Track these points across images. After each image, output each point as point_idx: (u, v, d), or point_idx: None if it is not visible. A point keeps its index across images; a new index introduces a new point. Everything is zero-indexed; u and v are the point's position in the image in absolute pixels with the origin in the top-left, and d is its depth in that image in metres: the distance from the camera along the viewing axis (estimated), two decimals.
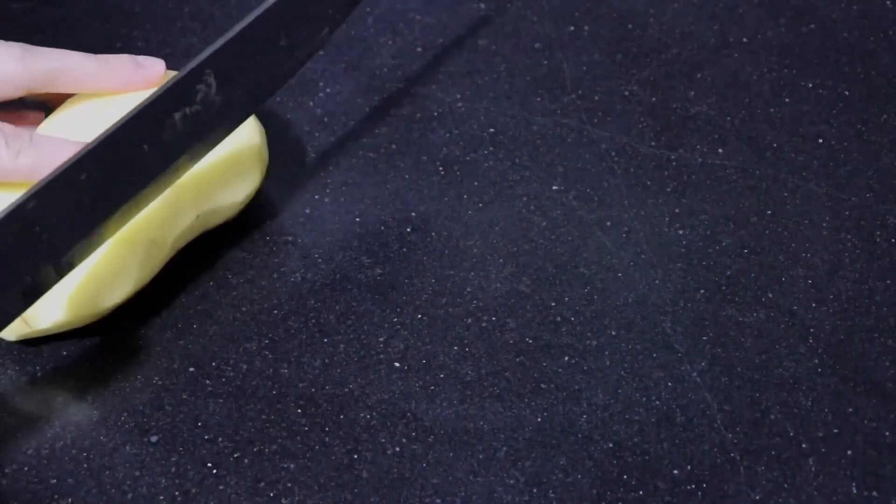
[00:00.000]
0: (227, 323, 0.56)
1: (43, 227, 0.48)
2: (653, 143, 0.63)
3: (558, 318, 0.56)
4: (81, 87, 0.54)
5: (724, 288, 0.58)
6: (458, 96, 0.65)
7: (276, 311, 0.57)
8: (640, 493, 0.51)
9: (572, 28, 0.69)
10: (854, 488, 0.51)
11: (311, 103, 0.65)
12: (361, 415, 0.53)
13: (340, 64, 0.66)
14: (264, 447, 0.52)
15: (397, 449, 0.52)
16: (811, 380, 0.55)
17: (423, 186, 0.61)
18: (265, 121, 0.59)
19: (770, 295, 0.57)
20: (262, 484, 0.51)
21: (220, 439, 0.52)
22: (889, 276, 0.58)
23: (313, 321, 0.56)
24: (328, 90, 0.65)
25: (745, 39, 0.69)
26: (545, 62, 0.67)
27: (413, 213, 0.60)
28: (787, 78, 0.67)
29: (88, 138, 0.53)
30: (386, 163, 0.62)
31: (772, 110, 0.65)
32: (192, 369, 0.54)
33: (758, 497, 0.51)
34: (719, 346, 0.56)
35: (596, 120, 0.64)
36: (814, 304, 0.57)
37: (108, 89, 0.55)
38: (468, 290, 0.57)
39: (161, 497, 0.51)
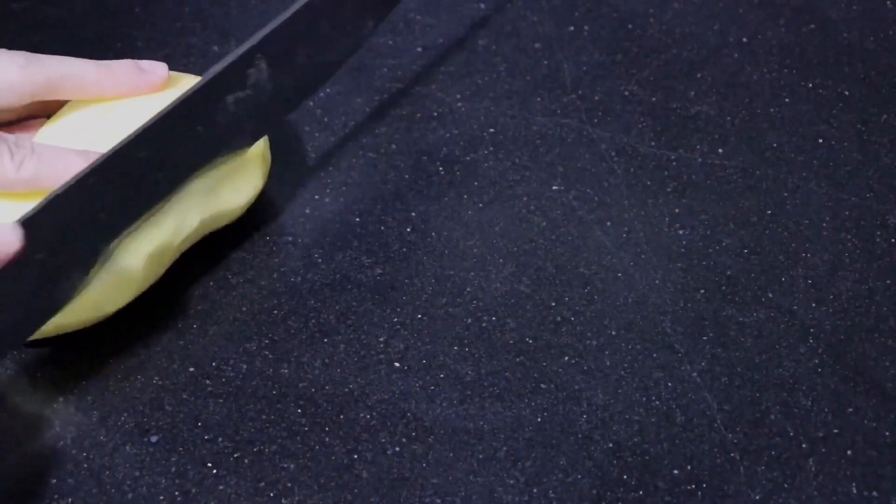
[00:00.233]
0: (227, 323, 0.56)
1: (100, 206, 0.49)
2: (653, 143, 0.63)
3: (558, 318, 0.56)
4: (85, 94, 0.54)
5: (724, 288, 0.58)
6: (458, 96, 0.65)
7: (276, 311, 0.57)
8: (640, 493, 0.51)
9: (572, 28, 0.69)
10: (854, 488, 0.51)
11: (312, 103, 0.65)
12: (361, 415, 0.53)
13: None
14: (264, 447, 0.52)
15: (397, 449, 0.52)
16: (811, 380, 0.55)
17: (423, 186, 0.61)
18: None
19: (770, 295, 0.57)
20: (262, 484, 0.51)
21: (220, 439, 0.52)
22: (889, 276, 0.58)
23: (313, 321, 0.56)
24: (328, 90, 0.65)
25: (745, 39, 0.69)
26: (545, 62, 0.67)
27: (413, 213, 0.60)
28: (787, 78, 0.67)
29: (90, 144, 0.53)
30: (386, 163, 0.62)
31: (772, 110, 0.65)
32: (192, 369, 0.54)
33: (758, 497, 0.51)
34: (719, 346, 0.56)
35: (596, 120, 0.64)
36: (814, 304, 0.57)
37: (111, 95, 0.55)
38: (468, 290, 0.57)
39: (161, 497, 0.51)
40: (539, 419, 0.53)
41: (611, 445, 0.52)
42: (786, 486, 0.51)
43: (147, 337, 0.55)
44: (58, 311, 0.51)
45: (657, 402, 0.54)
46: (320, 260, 0.58)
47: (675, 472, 0.52)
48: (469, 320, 0.56)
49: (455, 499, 0.51)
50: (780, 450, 0.52)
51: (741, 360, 0.55)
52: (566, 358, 0.55)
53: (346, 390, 0.54)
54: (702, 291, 0.58)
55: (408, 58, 0.67)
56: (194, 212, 0.55)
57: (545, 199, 0.61)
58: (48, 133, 0.54)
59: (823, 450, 0.52)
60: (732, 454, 0.52)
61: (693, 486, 0.51)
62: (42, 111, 0.56)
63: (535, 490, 0.51)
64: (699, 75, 0.67)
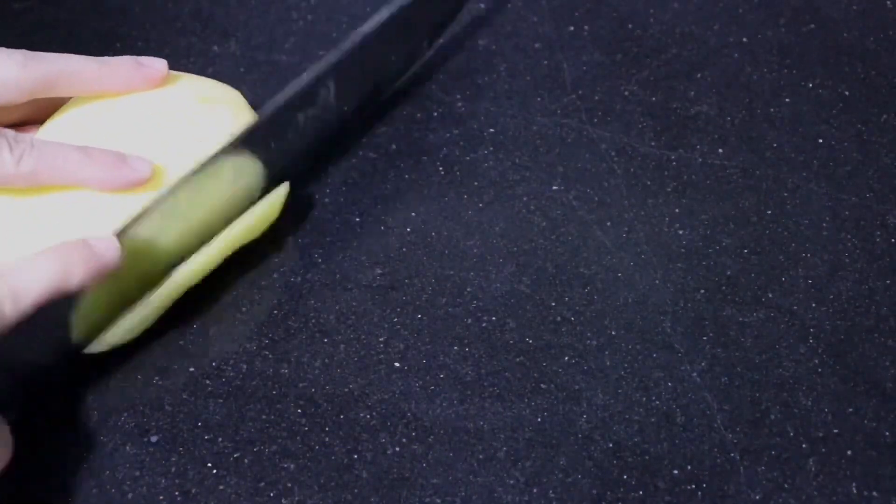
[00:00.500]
0: (227, 323, 0.56)
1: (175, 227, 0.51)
2: (653, 143, 0.63)
3: (558, 318, 0.56)
4: (84, 90, 0.54)
5: (724, 288, 0.58)
6: (458, 96, 0.65)
7: (276, 311, 0.57)
8: (640, 493, 0.51)
9: (572, 28, 0.69)
10: (854, 488, 0.51)
11: None
12: (361, 415, 0.53)
13: None
14: (264, 447, 0.52)
15: (397, 449, 0.52)
16: (811, 380, 0.55)
17: (423, 186, 0.61)
18: None
19: (770, 295, 0.57)
20: (262, 484, 0.51)
21: (220, 439, 0.52)
22: (889, 276, 0.58)
23: (313, 321, 0.56)
24: None
25: (745, 39, 0.69)
26: (545, 62, 0.67)
27: (413, 213, 0.60)
28: (787, 78, 0.67)
29: (91, 140, 0.53)
30: (386, 163, 0.62)
31: (772, 110, 0.65)
32: (192, 369, 0.54)
33: (758, 497, 0.51)
34: (719, 346, 0.56)
35: (596, 120, 0.64)
36: (814, 304, 0.57)
37: (111, 90, 0.55)
38: (468, 290, 0.57)
39: (161, 497, 0.51)
40: (539, 419, 0.53)
41: (611, 445, 0.52)
42: (786, 486, 0.51)
43: (147, 337, 0.55)
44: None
45: (657, 402, 0.54)
46: (320, 260, 0.58)
47: (675, 472, 0.52)
48: (469, 320, 0.56)
49: (455, 499, 0.51)
50: (780, 450, 0.52)
51: (741, 360, 0.55)
52: (566, 358, 0.55)
53: (346, 390, 0.54)
54: (702, 291, 0.58)
55: None
56: (218, 242, 0.55)
57: (545, 199, 0.61)
58: (50, 129, 0.55)
59: (823, 450, 0.52)
60: (732, 454, 0.52)
61: (693, 486, 0.51)
62: (42, 115, 0.56)
63: (535, 490, 0.51)
64: (699, 75, 0.67)
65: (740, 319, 0.56)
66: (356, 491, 0.51)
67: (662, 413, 0.53)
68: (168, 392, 0.54)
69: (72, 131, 0.54)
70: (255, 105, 0.59)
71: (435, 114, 0.64)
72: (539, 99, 0.65)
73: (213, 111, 0.56)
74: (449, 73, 0.67)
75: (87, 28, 0.68)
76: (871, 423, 0.53)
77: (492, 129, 0.64)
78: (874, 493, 0.51)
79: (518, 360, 0.55)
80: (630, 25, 0.69)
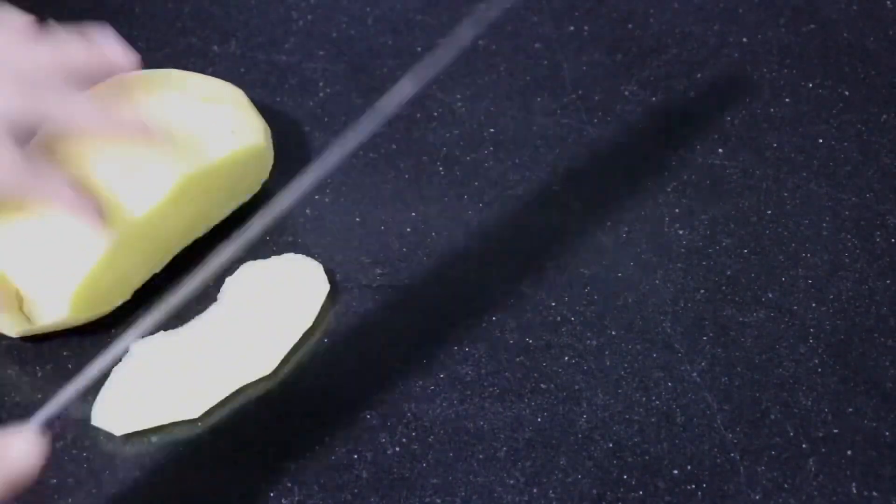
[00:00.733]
0: None
1: None
2: (653, 144, 0.63)
3: (558, 318, 0.56)
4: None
5: (724, 288, 0.58)
6: (458, 96, 0.65)
7: None
8: (640, 493, 0.51)
9: (572, 28, 0.69)
10: (854, 488, 0.51)
11: (311, 103, 0.64)
12: (361, 415, 0.53)
13: (340, 64, 0.66)
14: (265, 447, 0.52)
15: (397, 449, 0.52)
16: (811, 380, 0.55)
17: (423, 186, 0.61)
18: (266, 121, 0.59)
19: (770, 295, 0.57)
20: (263, 484, 0.51)
21: (220, 440, 0.52)
22: (889, 276, 0.58)
23: (313, 322, 0.56)
24: (328, 90, 0.65)
25: (745, 39, 0.69)
26: (545, 62, 0.67)
27: (413, 213, 0.60)
28: (787, 78, 0.67)
29: (91, 141, 0.53)
30: (386, 163, 0.62)
31: (772, 110, 0.65)
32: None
33: (758, 497, 0.51)
34: (719, 346, 0.56)
35: (596, 120, 0.64)
36: (814, 304, 0.57)
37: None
38: (468, 290, 0.57)
39: (161, 497, 0.50)
40: (539, 419, 0.53)
41: (611, 445, 0.52)
42: (786, 486, 0.51)
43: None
44: None
45: (657, 402, 0.54)
46: (320, 260, 0.58)
47: (675, 472, 0.52)
48: (469, 320, 0.56)
49: (455, 499, 0.51)
50: (780, 450, 0.52)
51: (741, 360, 0.55)
52: (566, 358, 0.55)
53: (347, 390, 0.54)
54: (702, 291, 0.58)
55: (408, 58, 0.67)
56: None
57: (545, 199, 0.61)
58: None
59: (823, 450, 0.52)
60: (732, 454, 0.52)
61: (693, 486, 0.51)
62: None
63: (535, 490, 0.51)
64: (699, 75, 0.67)
65: (740, 319, 0.56)
66: (356, 491, 0.51)
67: (662, 413, 0.53)
68: None
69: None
70: (256, 104, 0.59)
71: (435, 114, 0.64)
72: (539, 99, 0.65)
73: (215, 110, 0.56)
74: (449, 73, 0.66)
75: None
76: (871, 423, 0.53)
77: (492, 129, 0.64)
78: (874, 493, 0.51)
79: (518, 360, 0.55)
80: (630, 25, 0.69)
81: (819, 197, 0.61)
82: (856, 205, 0.61)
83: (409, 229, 0.60)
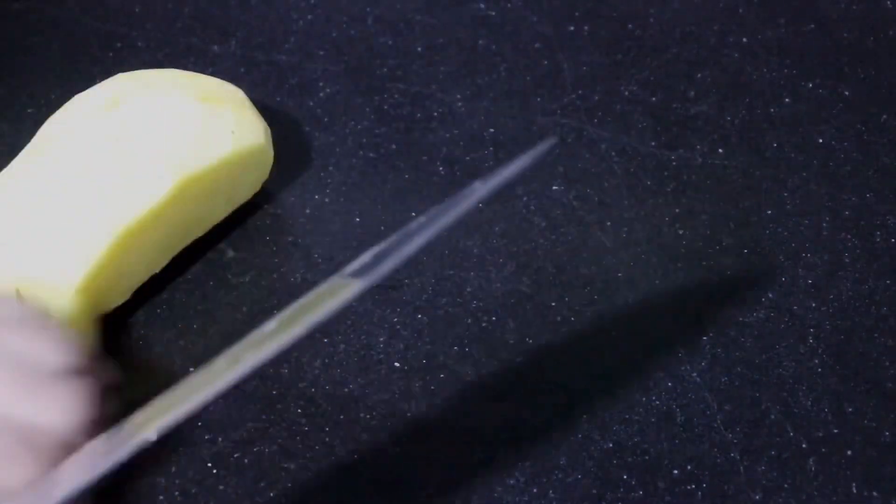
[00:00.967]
0: (227, 323, 0.56)
1: None
2: (653, 143, 0.63)
3: (558, 318, 0.56)
4: None
5: (724, 288, 0.58)
6: (458, 96, 0.65)
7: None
8: (640, 493, 0.51)
9: (572, 28, 0.69)
10: (854, 488, 0.51)
11: (312, 103, 0.65)
12: (361, 415, 0.53)
13: (340, 64, 0.66)
14: (264, 447, 0.52)
15: (397, 449, 0.52)
16: (811, 380, 0.55)
17: (423, 186, 0.61)
18: (266, 121, 0.59)
19: (770, 295, 0.57)
20: (262, 484, 0.51)
21: (220, 439, 0.52)
22: (889, 276, 0.58)
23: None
24: (328, 90, 0.65)
25: (745, 39, 0.69)
26: (545, 62, 0.67)
27: (413, 213, 0.60)
28: (787, 78, 0.67)
29: (94, 140, 0.53)
30: (386, 163, 0.62)
31: (772, 110, 0.65)
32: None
33: (758, 497, 0.51)
34: (719, 346, 0.56)
35: (596, 120, 0.64)
36: (814, 304, 0.57)
37: None
38: (468, 290, 0.57)
39: (161, 497, 0.51)
40: (539, 419, 0.53)
41: (611, 445, 0.52)
42: (786, 486, 0.51)
43: (147, 337, 0.55)
44: None
45: (657, 402, 0.54)
46: (320, 260, 0.58)
47: (675, 472, 0.52)
48: (469, 320, 0.56)
49: (455, 499, 0.51)
50: (780, 450, 0.52)
51: (741, 360, 0.55)
52: (566, 358, 0.55)
53: (346, 390, 0.54)
54: (702, 291, 0.58)
55: (408, 58, 0.67)
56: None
57: (545, 199, 0.61)
58: (54, 128, 0.55)
59: (823, 450, 0.52)
60: (732, 454, 0.52)
61: (693, 486, 0.51)
62: None
63: (535, 490, 0.51)
64: (699, 75, 0.67)
65: (740, 319, 0.56)
66: (356, 491, 0.51)
67: (662, 413, 0.53)
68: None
69: (74, 132, 0.54)
70: (256, 104, 0.59)
71: (435, 114, 0.64)
72: (539, 99, 0.65)
73: (214, 110, 0.56)
74: (449, 73, 0.67)
75: (87, 28, 0.68)
76: (871, 423, 0.53)
77: (492, 129, 0.64)
78: (874, 493, 0.51)
79: (518, 360, 0.55)
80: (630, 25, 0.69)
81: (819, 197, 0.61)
82: (856, 205, 0.61)
83: None
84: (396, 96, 0.65)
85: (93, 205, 0.52)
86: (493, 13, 0.70)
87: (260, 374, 0.54)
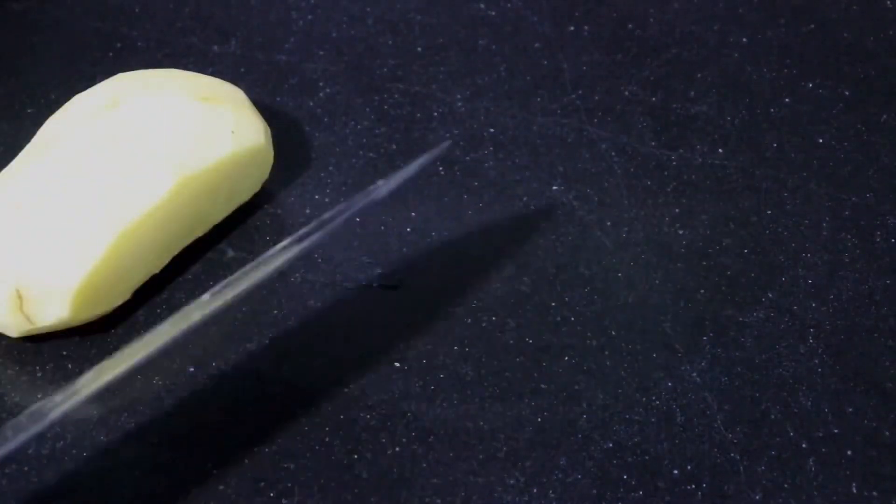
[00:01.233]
0: (227, 323, 0.56)
1: None
2: (653, 143, 0.63)
3: (558, 318, 0.56)
4: None
5: (724, 288, 0.58)
6: (458, 96, 0.65)
7: (275, 311, 0.57)
8: (640, 493, 0.51)
9: (572, 28, 0.69)
10: (854, 488, 0.51)
11: (312, 103, 0.65)
12: (361, 415, 0.53)
13: (340, 64, 0.66)
14: (264, 447, 0.52)
15: (397, 449, 0.52)
16: (811, 380, 0.55)
17: (423, 186, 0.61)
18: (266, 121, 0.59)
19: (770, 295, 0.57)
20: (262, 484, 0.51)
21: (220, 439, 0.52)
22: (889, 276, 0.58)
23: (313, 321, 0.56)
24: (328, 90, 0.65)
25: (745, 39, 0.69)
26: (545, 62, 0.67)
27: (413, 213, 0.60)
28: (787, 78, 0.67)
29: (94, 140, 0.53)
30: (386, 163, 0.62)
31: (772, 110, 0.65)
32: (191, 369, 0.54)
33: (758, 497, 0.51)
34: (719, 346, 0.56)
35: (596, 120, 0.64)
36: (814, 304, 0.57)
37: None
38: (468, 290, 0.57)
39: (161, 497, 0.50)
40: (539, 419, 0.53)
41: (611, 445, 0.52)
42: (786, 486, 0.51)
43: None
44: None
45: (657, 402, 0.54)
46: (320, 260, 0.58)
47: (675, 472, 0.52)
48: (469, 320, 0.56)
49: (455, 499, 0.51)
50: (780, 450, 0.52)
51: (741, 360, 0.55)
52: (566, 358, 0.55)
53: (346, 390, 0.54)
54: (702, 291, 0.58)
55: (408, 58, 0.67)
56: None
57: (545, 199, 0.61)
58: (53, 128, 0.55)
59: (823, 450, 0.52)
60: (732, 454, 0.52)
61: (693, 486, 0.51)
62: None
63: (535, 490, 0.51)
64: (699, 75, 0.67)
65: (740, 319, 0.56)
66: (356, 491, 0.51)
67: (662, 413, 0.53)
68: (168, 392, 0.54)
69: (74, 132, 0.54)
70: (256, 104, 0.59)
71: (435, 114, 0.64)
72: (539, 99, 0.65)
73: (215, 110, 0.56)
74: (449, 73, 0.67)
75: (87, 28, 0.68)
76: (871, 423, 0.53)
77: (492, 129, 0.64)
78: (874, 493, 0.51)
79: (518, 360, 0.55)
80: (630, 25, 0.69)
81: (819, 197, 0.61)
82: (856, 205, 0.61)
83: (409, 229, 0.60)
84: (396, 96, 0.65)
85: (93, 205, 0.52)
86: (493, 13, 0.70)
87: (260, 375, 0.54)
